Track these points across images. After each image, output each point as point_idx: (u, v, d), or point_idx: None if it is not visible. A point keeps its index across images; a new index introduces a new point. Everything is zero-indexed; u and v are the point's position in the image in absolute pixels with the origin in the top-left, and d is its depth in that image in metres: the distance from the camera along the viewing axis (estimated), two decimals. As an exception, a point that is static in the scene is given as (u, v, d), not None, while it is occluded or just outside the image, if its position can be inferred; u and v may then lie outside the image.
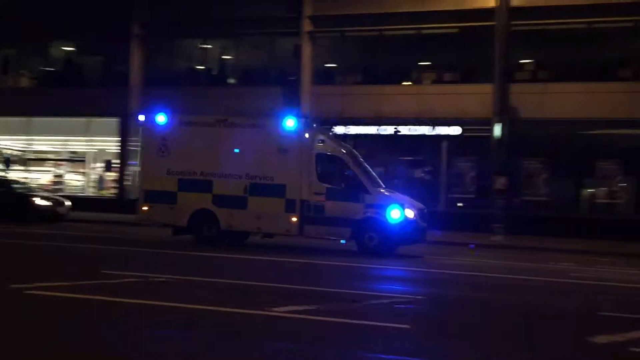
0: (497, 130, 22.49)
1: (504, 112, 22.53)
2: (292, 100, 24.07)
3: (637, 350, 5.99)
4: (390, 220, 14.22)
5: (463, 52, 24.09)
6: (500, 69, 22.74)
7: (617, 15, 22.04)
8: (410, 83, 25.17)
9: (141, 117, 16.24)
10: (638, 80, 22.38)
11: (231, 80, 27.61)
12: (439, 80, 24.46)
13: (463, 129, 23.29)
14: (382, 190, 15.17)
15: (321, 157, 14.86)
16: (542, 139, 23.03)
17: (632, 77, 22.56)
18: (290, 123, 14.85)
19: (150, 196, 15.58)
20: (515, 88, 22.80)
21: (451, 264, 14.07)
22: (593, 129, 22.72)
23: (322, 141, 15.16)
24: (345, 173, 14.86)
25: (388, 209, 14.33)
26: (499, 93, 22.66)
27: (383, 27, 24.33)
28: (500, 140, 22.51)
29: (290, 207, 14.57)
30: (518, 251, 18.01)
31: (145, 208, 15.65)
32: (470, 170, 23.97)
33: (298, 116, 16.16)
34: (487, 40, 22.95)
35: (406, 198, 15.11)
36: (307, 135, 15.01)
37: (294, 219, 14.56)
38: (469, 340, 6.24)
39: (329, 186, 14.61)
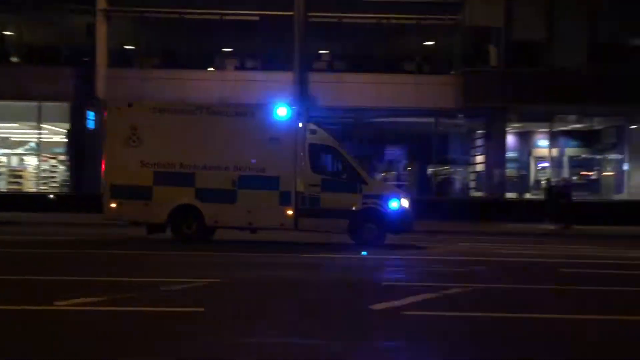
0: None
1: (304, 99, 23.44)
2: (85, 83, 22.60)
3: (407, 313, 6.66)
4: (390, 211, 14.02)
5: (264, 40, 24.57)
6: (299, 57, 23.56)
7: (403, 13, 24.06)
8: (213, 69, 25.05)
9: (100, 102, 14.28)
10: (422, 73, 24.77)
11: (15, 59, 25.09)
12: (241, 67, 24.71)
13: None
14: (377, 180, 14.90)
15: (315, 147, 14.20)
16: (339, 126, 24.39)
17: (417, 69, 24.90)
18: (282, 112, 14.01)
19: (120, 191, 13.85)
20: (314, 77, 23.81)
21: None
22: (382, 117, 24.67)
23: (314, 131, 14.44)
24: (341, 163, 14.47)
25: (389, 200, 14.16)
26: (299, 81, 23.50)
27: (184, 10, 23.88)
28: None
29: (284, 200, 13.80)
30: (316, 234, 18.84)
31: (113, 205, 13.86)
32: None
33: (290, 105, 14.97)
34: (287, 29, 23.63)
35: (395, 187, 14.67)
36: (300, 124, 14.24)
37: (290, 212, 13.80)
38: (265, 318, 6.41)
39: (325, 177, 14.08)
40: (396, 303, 7.05)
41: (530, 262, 12.07)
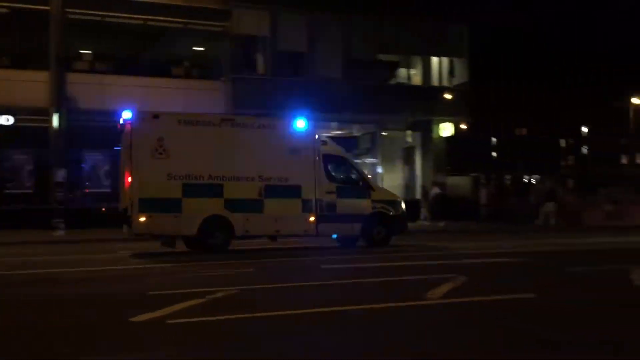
0: (56, 120, 21.61)
1: (61, 101, 21.77)
2: None
3: (171, 322, 6.51)
4: (396, 214, 15.59)
5: (16, 36, 22.32)
6: (56, 56, 21.85)
7: (170, 16, 23.68)
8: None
9: (127, 114, 13.54)
10: (192, 78, 24.60)
11: None
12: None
13: (16, 119, 21.60)
14: (381, 187, 17.40)
15: (328, 157, 15.16)
16: (102, 131, 23.06)
17: (186, 75, 24.67)
18: (301, 124, 14.80)
19: (148, 205, 13.32)
20: (73, 77, 22.27)
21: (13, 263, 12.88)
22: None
23: (325, 142, 15.74)
24: (350, 172, 15.66)
25: (394, 204, 15.73)
26: (56, 82, 21.77)
27: None
28: (59, 131, 21.68)
29: (307, 207, 14.51)
30: (80, 244, 17.68)
31: (142, 219, 13.33)
32: (26, 163, 22.42)
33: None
34: (42, 26, 21.76)
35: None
36: (316, 136, 15.24)
37: (312, 219, 14.51)
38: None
39: (339, 185, 15.05)
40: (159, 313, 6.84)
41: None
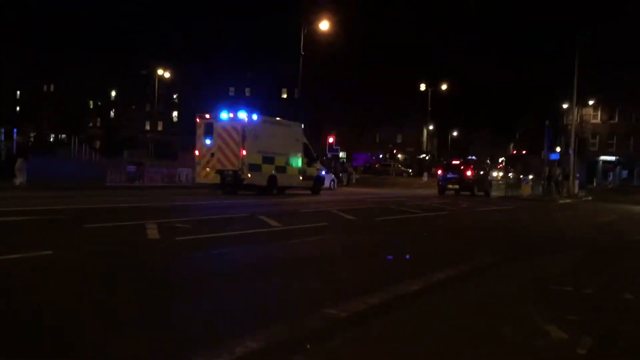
0: None
1: None
2: None
3: None
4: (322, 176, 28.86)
5: None
6: None
7: None
8: None
9: (243, 114, 22.33)
10: None
11: None
12: None
13: None
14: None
15: (305, 144, 26.52)
16: None
17: None
18: (300, 125, 26.70)
19: (250, 167, 22.14)
20: None
21: None
22: None
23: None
24: (309, 151, 26.86)
25: (322, 171, 29.15)
26: None
27: None
28: None
29: (302, 172, 25.78)
30: None
31: (249, 175, 22.10)
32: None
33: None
34: None
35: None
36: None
37: (301, 178, 25.83)
38: None
39: (307, 159, 26.39)
40: None
41: None
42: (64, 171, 25.80)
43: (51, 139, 71.71)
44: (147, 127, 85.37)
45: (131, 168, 28.16)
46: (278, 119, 25.79)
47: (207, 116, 22.82)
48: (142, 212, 14.31)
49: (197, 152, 22.94)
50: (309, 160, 26.07)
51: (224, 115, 22.17)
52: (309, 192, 26.47)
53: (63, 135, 62.46)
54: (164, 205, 16.82)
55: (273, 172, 23.27)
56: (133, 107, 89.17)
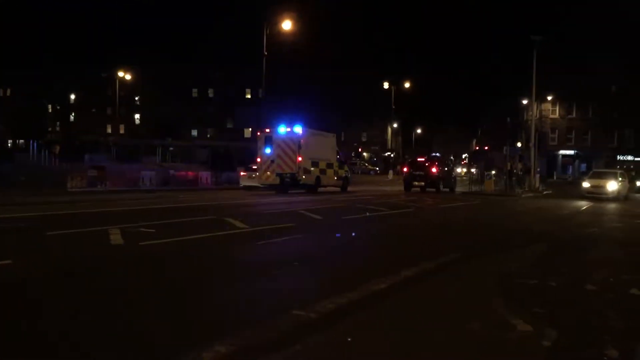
0: None
1: None
2: None
3: None
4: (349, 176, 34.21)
5: None
6: None
7: None
8: None
9: (298, 129, 27.39)
10: None
11: None
12: None
13: None
14: None
15: (338, 152, 32.49)
16: None
17: None
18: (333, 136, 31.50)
19: (303, 171, 27.14)
20: None
21: None
22: None
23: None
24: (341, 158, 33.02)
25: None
26: None
27: None
28: None
29: (335, 173, 30.80)
30: None
31: (304, 177, 27.17)
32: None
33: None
34: None
35: None
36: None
37: (336, 178, 30.70)
38: None
39: (339, 163, 31.87)
40: None
41: None
42: (22, 177, 25.13)
43: (9, 145, 69.89)
44: (109, 131, 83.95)
45: (92, 172, 27.62)
46: (320, 131, 31.17)
47: (267, 130, 28.42)
48: (108, 218, 14.05)
49: (258, 160, 28.39)
50: (340, 163, 31.40)
51: (282, 129, 27.65)
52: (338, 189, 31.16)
53: (21, 141, 60.93)
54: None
55: (318, 174, 28.63)
56: (93, 110, 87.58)
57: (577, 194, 30.09)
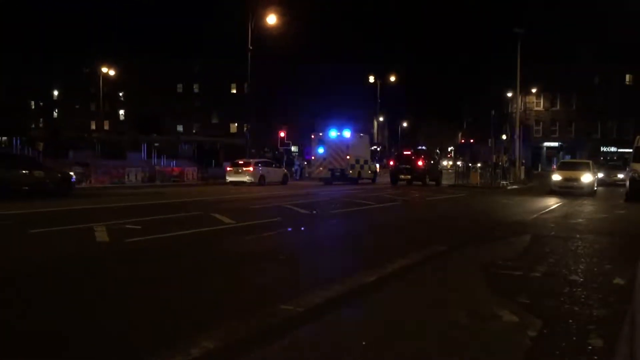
0: None
1: None
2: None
3: None
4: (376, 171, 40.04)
5: None
6: None
7: None
8: None
9: (347, 133, 33.91)
10: None
11: None
12: None
13: None
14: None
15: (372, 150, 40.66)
16: None
17: None
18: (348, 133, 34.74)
19: (352, 166, 33.38)
20: None
21: None
22: None
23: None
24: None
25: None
26: None
27: None
28: None
29: (371, 170, 36.96)
30: None
31: (350, 171, 33.37)
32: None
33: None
34: None
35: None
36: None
37: (370, 172, 36.50)
38: None
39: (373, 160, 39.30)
40: None
41: None
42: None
43: (-9, 142, 69.04)
44: (93, 127, 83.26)
45: (77, 168, 27.36)
46: (361, 134, 37.98)
47: (320, 134, 35.00)
48: (91, 215, 13.94)
49: (312, 157, 35.07)
50: (372, 160, 37.71)
51: (333, 133, 34.03)
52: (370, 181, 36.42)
53: (4, 138, 60.26)
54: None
55: (359, 169, 34.28)
56: (77, 106, 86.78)
57: (548, 190, 26.46)
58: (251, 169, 30.35)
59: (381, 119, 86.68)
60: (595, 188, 26.66)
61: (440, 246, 9.42)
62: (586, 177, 25.61)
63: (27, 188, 18.92)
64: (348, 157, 33.29)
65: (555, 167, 32.40)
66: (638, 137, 23.14)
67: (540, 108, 76.26)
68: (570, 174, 26.07)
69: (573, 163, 30.72)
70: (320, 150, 33.89)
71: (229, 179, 30.83)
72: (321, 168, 33.77)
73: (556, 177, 26.41)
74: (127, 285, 6.42)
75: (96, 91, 71.55)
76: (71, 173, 21.50)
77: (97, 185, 26.74)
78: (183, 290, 6.24)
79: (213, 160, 37.87)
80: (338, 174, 33.26)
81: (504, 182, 34.41)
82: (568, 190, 25.10)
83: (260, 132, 54.79)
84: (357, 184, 32.64)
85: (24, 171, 19.18)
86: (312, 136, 35.66)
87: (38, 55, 77.43)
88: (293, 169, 41.11)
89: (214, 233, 10.94)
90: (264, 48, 41.79)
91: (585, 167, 26.92)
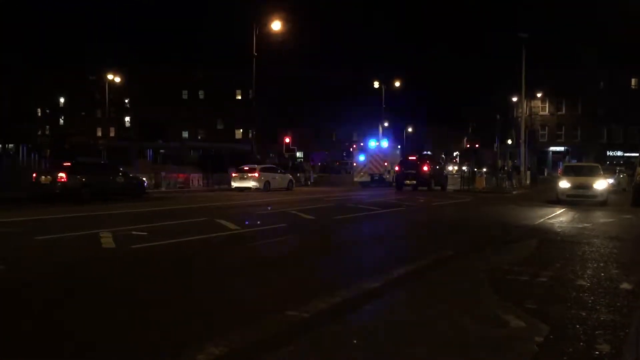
0: None
1: None
2: None
3: None
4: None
5: None
6: None
7: None
8: None
9: (385, 143, 39.65)
10: None
11: None
12: None
13: None
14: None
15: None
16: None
17: None
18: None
19: (387, 172, 37.38)
20: None
21: None
22: None
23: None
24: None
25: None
26: None
27: None
28: None
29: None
30: None
31: (387, 176, 37.43)
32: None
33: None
34: None
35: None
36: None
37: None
38: None
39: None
40: None
41: None
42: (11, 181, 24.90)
43: (-2, 149, 69.33)
44: (99, 134, 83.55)
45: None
46: (393, 144, 43.03)
47: (362, 144, 41.18)
48: (91, 222, 13.99)
49: (354, 164, 40.10)
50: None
51: (372, 143, 39.32)
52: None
53: (10, 145, 60.53)
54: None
55: (393, 174, 36.71)
56: (83, 113, 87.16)
57: (554, 198, 22.72)
58: (256, 174, 30.35)
59: (386, 124, 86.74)
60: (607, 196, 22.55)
61: (447, 251, 9.40)
62: (600, 184, 22.04)
63: (112, 192, 21.70)
64: (385, 163, 37.80)
65: (561, 171, 26.76)
66: None
67: (546, 112, 76.09)
68: (580, 180, 22.39)
69: (581, 167, 26.76)
70: (362, 158, 38.82)
71: (234, 184, 30.81)
72: (362, 173, 38.62)
73: (564, 184, 22.47)
74: (131, 291, 6.42)
75: (102, 98, 71.87)
76: (143, 179, 25.41)
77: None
78: (187, 296, 6.25)
79: (218, 166, 37.92)
80: (377, 178, 37.74)
81: (510, 187, 34.33)
82: (579, 200, 21.71)
83: (266, 138, 54.86)
84: (390, 187, 36.40)
85: (110, 177, 22.23)
86: (354, 145, 44.76)
87: (44, 63, 77.84)
88: (305, 175, 41.42)
89: (219, 239, 10.95)
90: (268, 54, 41.92)
91: (595, 171, 23.48)
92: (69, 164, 22.01)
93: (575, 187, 22.16)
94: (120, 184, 22.28)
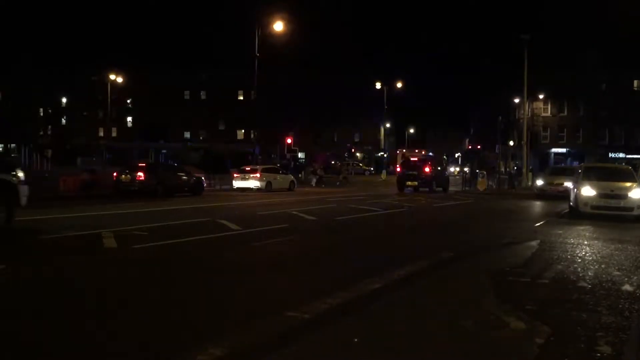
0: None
1: None
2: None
3: None
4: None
5: None
6: None
7: None
8: None
9: (424, 151, 53.01)
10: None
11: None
12: None
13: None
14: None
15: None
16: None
17: None
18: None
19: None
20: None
21: None
22: None
23: None
24: None
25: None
26: None
27: None
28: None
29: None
30: None
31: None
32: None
33: None
34: None
35: None
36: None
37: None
38: None
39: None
40: None
41: None
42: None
43: (0, 149, 69.40)
44: (101, 134, 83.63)
45: (84, 176, 27.39)
46: (430, 154, 50.60)
47: (404, 151, 44.89)
48: (97, 222, 14.00)
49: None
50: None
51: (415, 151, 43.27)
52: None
53: (12, 145, 60.60)
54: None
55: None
56: (85, 113, 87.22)
57: (575, 214, 17.09)
58: (258, 175, 30.35)
59: (388, 125, 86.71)
60: None
61: (448, 253, 9.39)
62: (636, 193, 16.30)
63: (180, 189, 24.78)
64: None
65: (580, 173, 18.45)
66: None
67: (548, 114, 75.96)
68: (610, 186, 16.72)
69: (607, 169, 20.25)
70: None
71: (236, 185, 30.79)
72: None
73: (588, 191, 16.60)
74: (132, 292, 6.43)
75: (104, 98, 71.92)
76: (202, 177, 27.85)
77: (104, 192, 26.72)
78: (188, 297, 6.25)
79: (220, 167, 37.93)
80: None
81: (511, 189, 34.31)
82: (609, 214, 16.20)
83: (267, 138, 54.85)
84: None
85: (177, 176, 25.42)
86: (397, 151, 55.33)
87: (46, 63, 77.89)
88: (315, 177, 40.96)
89: (221, 239, 10.95)
90: (271, 55, 41.95)
91: (627, 175, 17.80)
92: (144, 164, 25.17)
93: (603, 195, 16.52)
94: (184, 182, 25.43)
